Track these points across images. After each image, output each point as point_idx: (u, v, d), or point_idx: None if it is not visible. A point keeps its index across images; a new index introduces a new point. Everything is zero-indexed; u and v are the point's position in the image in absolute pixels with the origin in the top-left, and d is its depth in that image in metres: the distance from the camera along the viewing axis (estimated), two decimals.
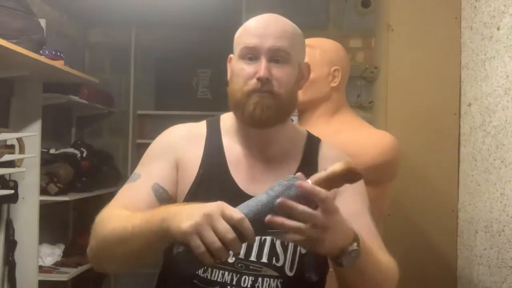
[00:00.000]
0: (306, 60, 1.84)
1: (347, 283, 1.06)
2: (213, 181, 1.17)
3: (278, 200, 0.91)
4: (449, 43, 2.36)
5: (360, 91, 2.98)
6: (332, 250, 0.97)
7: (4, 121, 2.56)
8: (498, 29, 1.95)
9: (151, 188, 1.15)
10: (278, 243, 1.12)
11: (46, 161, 2.92)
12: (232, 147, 1.22)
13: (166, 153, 1.21)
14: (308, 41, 1.90)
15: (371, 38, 3.00)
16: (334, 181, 0.95)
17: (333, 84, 1.84)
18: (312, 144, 1.27)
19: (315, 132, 1.87)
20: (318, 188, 0.92)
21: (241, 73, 1.15)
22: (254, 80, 1.13)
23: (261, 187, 1.12)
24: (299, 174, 0.97)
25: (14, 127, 2.54)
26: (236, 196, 1.07)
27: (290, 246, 1.13)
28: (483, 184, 2.05)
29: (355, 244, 0.98)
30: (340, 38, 2.27)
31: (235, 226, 0.89)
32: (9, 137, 2.32)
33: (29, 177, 2.56)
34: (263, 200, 0.94)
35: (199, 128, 1.27)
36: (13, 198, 2.41)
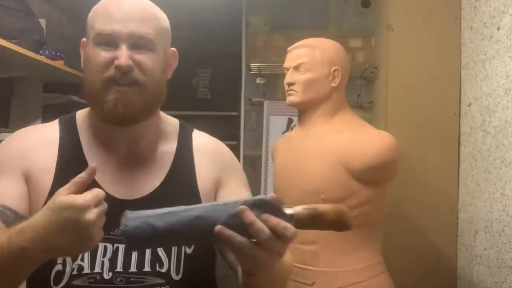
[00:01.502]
0: (306, 60, 1.87)
1: None
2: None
3: (241, 206, 0.81)
4: (449, 43, 2.36)
5: (360, 91, 2.98)
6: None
7: (4, 121, 2.56)
8: (498, 29, 1.95)
9: None
10: (160, 248, 1.00)
11: None
12: (94, 148, 1.05)
13: (12, 166, 1.02)
14: (308, 41, 1.91)
15: (371, 38, 3.00)
16: (318, 223, 0.86)
17: (333, 84, 1.84)
18: (186, 134, 1.14)
19: (315, 132, 1.88)
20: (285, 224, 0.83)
21: (96, 59, 0.98)
22: (112, 69, 0.97)
23: (132, 189, 1.02)
24: (272, 196, 0.86)
25: (14, 127, 2.54)
26: (105, 203, 0.87)
27: (174, 249, 1.01)
28: (483, 184, 2.05)
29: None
30: (340, 38, 2.27)
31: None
32: None
33: None
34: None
35: (51, 130, 1.09)
36: None
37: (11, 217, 0.97)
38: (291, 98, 1.88)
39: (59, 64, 2.55)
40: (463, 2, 2.34)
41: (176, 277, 1.01)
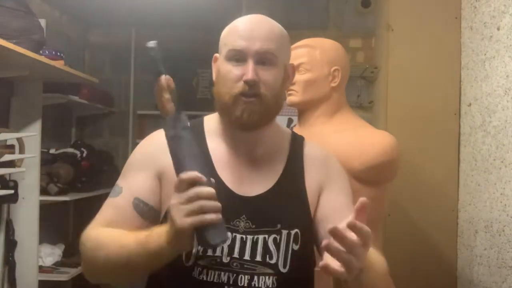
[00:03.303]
0: (306, 60, 1.87)
1: None
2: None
3: (330, 226, 0.91)
4: (449, 43, 2.36)
5: (360, 91, 2.98)
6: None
7: (4, 121, 2.56)
8: (498, 29, 1.95)
9: (132, 204, 1.15)
10: (270, 241, 1.13)
11: (46, 161, 2.92)
12: (218, 148, 1.21)
13: (147, 164, 1.19)
14: (308, 41, 1.90)
15: (371, 38, 3.00)
16: None
17: (333, 84, 1.84)
18: (297, 143, 1.28)
19: (315, 132, 1.88)
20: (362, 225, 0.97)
21: (228, 75, 1.15)
22: (241, 83, 1.13)
23: (250, 187, 1.17)
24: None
25: (14, 127, 2.54)
26: (227, 198, 1.06)
27: (283, 244, 1.13)
28: (483, 184, 2.05)
29: None
30: (340, 38, 2.26)
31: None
32: (9, 137, 2.32)
33: (29, 177, 2.56)
34: None
35: None
36: (13, 198, 2.41)
37: (144, 209, 1.15)
38: (291, 98, 1.88)
39: (59, 64, 2.55)
40: (463, 2, 2.34)
41: (283, 270, 1.12)
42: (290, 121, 3.07)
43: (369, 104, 2.94)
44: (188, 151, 1.00)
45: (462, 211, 2.28)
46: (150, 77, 4.03)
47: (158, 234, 1.00)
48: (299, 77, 1.85)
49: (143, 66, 4.04)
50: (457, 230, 2.32)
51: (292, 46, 1.92)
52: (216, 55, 1.24)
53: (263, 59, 1.14)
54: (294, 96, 1.86)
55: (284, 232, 1.13)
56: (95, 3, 3.32)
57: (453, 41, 2.35)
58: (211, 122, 1.26)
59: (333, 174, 1.26)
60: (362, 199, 0.95)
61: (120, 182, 1.21)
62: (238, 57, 1.14)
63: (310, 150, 1.27)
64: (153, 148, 1.21)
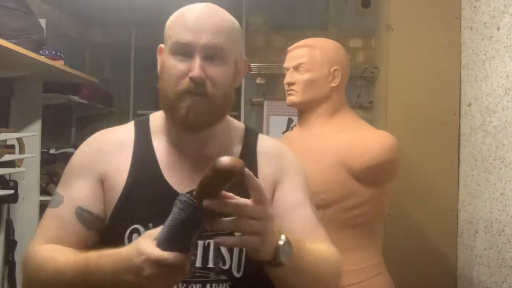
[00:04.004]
0: (306, 60, 1.87)
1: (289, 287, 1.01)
2: (145, 190, 1.08)
3: (205, 202, 0.84)
4: (449, 43, 2.36)
5: (360, 91, 2.99)
6: (270, 249, 0.90)
7: (4, 121, 2.56)
8: (498, 29, 1.95)
9: (75, 214, 1.08)
10: (223, 247, 1.07)
11: (46, 161, 2.91)
12: (165, 150, 1.12)
13: (88, 168, 1.11)
14: (308, 41, 1.91)
15: (371, 38, 3.00)
16: (209, 186, 0.85)
17: (333, 84, 1.84)
18: (250, 138, 1.19)
19: (315, 132, 1.88)
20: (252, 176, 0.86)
21: (173, 70, 1.05)
22: (186, 80, 1.03)
23: None
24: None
25: (14, 127, 2.54)
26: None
27: (236, 248, 1.07)
28: (483, 184, 2.05)
29: (282, 236, 0.92)
30: (340, 38, 2.27)
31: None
32: (9, 137, 2.32)
33: (29, 177, 2.55)
34: (175, 211, 0.87)
35: (126, 132, 1.16)
36: (13, 198, 2.41)
37: (89, 218, 1.08)
38: (291, 98, 1.88)
39: (59, 64, 2.54)
40: (463, 2, 2.34)
41: (238, 275, 1.07)
42: (290, 121, 3.07)
43: (369, 104, 2.94)
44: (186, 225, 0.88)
45: (462, 211, 2.28)
46: (150, 77, 4.06)
47: (96, 265, 0.94)
48: (299, 77, 1.85)
49: (143, 66, 4.04)
50: (457, 230, 2.32)
51: (292, 46, 1.93)
52: (161, 45, 1.13)
53: (211, 54, 1.05)
54: (294, 96, 1.86)
55: (237, 234, 1.00)
56: (95, 3, 3.32)
57: (453, 41, 2.35)
58: (157, 120, 1.16)
59: (288, 169, 1.18)
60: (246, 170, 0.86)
61: (60, 190, 1.13)
62: (183, 51, 1.05)
63: (263, 145, 1.19)
64: (93, 152, 1.14)
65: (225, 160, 0.83)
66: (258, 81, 3.09)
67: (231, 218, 0.86)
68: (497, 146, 1.92)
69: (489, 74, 2.02)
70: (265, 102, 3.06)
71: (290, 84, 1.87)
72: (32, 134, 2.49)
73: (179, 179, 1.09)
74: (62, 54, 2.68)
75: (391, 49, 2.46)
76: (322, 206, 1.77)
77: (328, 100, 1.85)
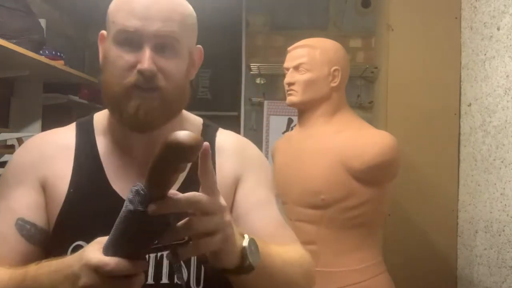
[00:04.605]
0: (306, 60, 1.87)
1: None
2: (89, 200, 0.95)
3: (150, 208, 0.71)
4: (449, 43, 2.36)
5: (360, 91, 2.99)
6: (235, 251, 0.80)
7: (4, 121, 2.56)
8: (498, 29, 1.95)
9: (15, 227, 0.93)
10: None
11: None
12: (111, 153, 1.00)
13: (26, 175, 0.97)
14: (308, 41, 1.91)
15: (371, 38, 3.00)
16: (161, 167, 0.71)
17: (333, 84, 1.85)
18: (209, 134, 1.07)
19: (315, 132, 1.88)
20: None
21: (118, 62, 0.91)
22: (134, 73, 0.90)
23: None
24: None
25: (14, 127, 2.54)
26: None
27: (193, 258, 0.95)
28: (483, 184, 2.05)
29: (246, 236, 0.83)
30: (340, 38, 2.27)
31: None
32: (9, 137, 2.32)
33: None
34: (122, 216, 0.74)
35: (67, 135, 1.03)
36: None
37: (31, 231, 0.94)
38: (291, 98, 1.88)
39: (59, 64, 2.55)
40: (463, 2, 2.34)
41: None
42: (290, 121, 3.07)
43: (369, 104, 2.94)
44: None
45: (462, 211, 2.28)
46: None
47: (34, 278, 0.83)
48: (299, 77, 1.85)
49: None
50: (457, 230, 2.32)
51: (292, 46, 1.93)
52: (103, 32, 0.99)
53: (162, 43, 0.92)
54: (294, 96, 1.86)
55: None
56: (95, 3, 3.32)
57: (453, 41, 2.35)
58: (102, 119, 1.04)
59: (250, 164, 1.06)
60: (206, 143, 0.75)
61: None
62: (130, 40, 0.91)
63: (223, 141, 1.07)
64: (31, 157, 1.00)
65: (179, 133, 0.69)
66: (258, 81, 3.09)
67: (181, 222, 0.74)
68: (497, 146, 1.92)
69: (489, 74, 2.02)
70: (265, 102, 3.06)
71: (290, 84, 1.87)
72: (32, 134, 2.49)
73: (127, 187, 0.85)
74: (62, 54, 2.68)
75: (391, 49, 2.46)
76: (322, 206, 1.77)
77: (328, 100, 1.85)
